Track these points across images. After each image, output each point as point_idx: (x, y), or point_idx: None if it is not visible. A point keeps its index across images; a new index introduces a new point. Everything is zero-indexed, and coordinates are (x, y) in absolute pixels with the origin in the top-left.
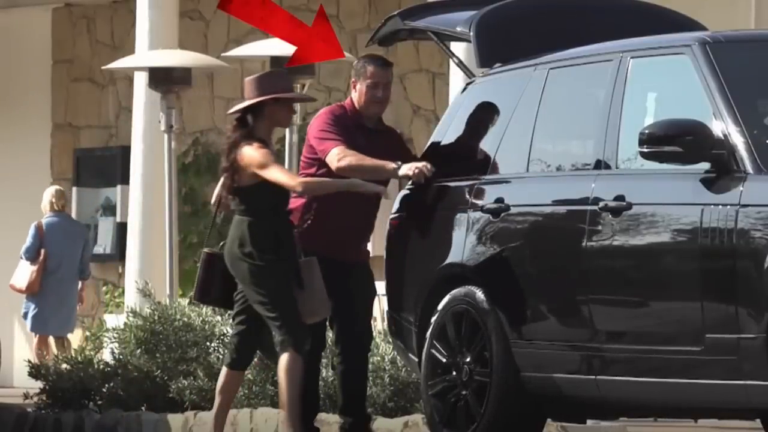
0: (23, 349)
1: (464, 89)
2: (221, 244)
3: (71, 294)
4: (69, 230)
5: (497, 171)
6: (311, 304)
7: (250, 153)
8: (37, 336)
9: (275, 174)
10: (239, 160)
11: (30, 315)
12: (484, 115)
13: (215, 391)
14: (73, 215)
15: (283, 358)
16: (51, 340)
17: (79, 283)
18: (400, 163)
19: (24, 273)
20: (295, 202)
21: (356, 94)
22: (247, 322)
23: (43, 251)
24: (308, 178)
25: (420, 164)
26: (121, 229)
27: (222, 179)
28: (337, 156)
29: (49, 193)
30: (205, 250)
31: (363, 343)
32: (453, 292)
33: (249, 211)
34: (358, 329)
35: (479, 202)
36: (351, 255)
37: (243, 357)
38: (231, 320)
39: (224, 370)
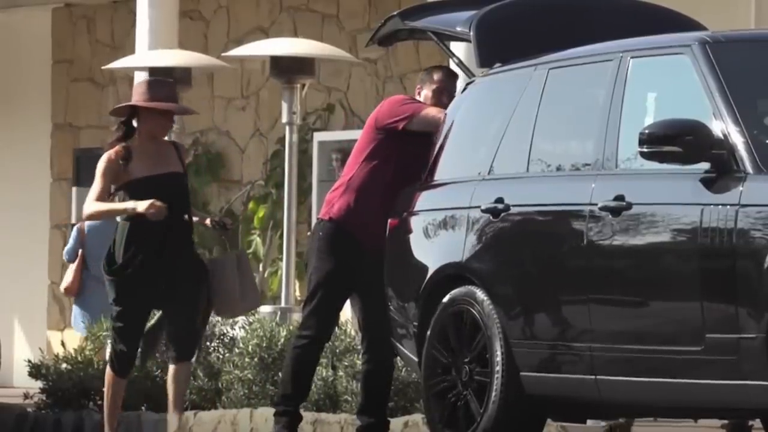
0: (23, 349)
1: (464, 89)
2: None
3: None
4: (110, 234)
5: (497, 171)
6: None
7: (98, 163)
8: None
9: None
10: None
11: (74, 317)
12: (483, 115)
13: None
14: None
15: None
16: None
17: None
18: None
19: (66, 275)
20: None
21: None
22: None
23: (80, 252)
24: None
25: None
26: None
27: None
28: (438, 111)
29: None
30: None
31: (389, 343)
32: (453, 292)
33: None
34: (384, 329)
35: (479, 202)
36: (378, 242)
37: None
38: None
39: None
